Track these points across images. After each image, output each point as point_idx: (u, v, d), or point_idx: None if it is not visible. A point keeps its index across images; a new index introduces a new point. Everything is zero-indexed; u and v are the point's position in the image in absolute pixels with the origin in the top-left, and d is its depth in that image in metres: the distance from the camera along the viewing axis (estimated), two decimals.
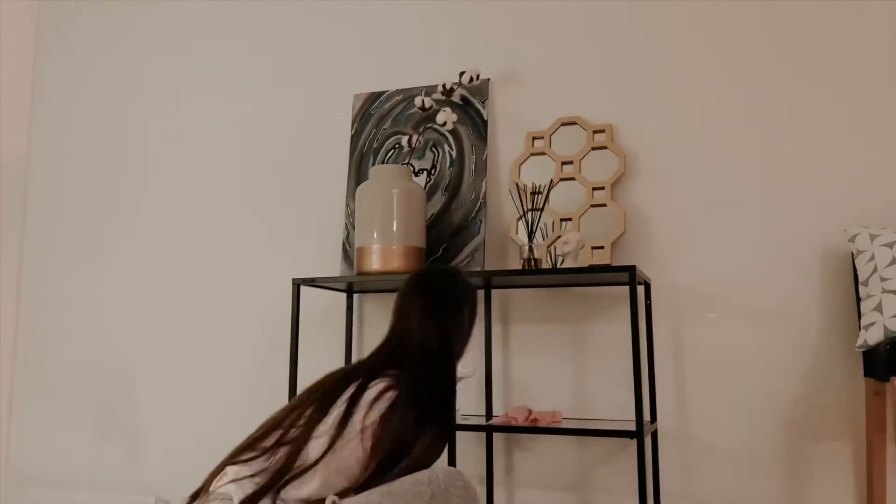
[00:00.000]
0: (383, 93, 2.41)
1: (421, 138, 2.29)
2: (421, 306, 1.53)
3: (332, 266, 2.39)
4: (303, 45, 2.58)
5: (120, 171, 2.77)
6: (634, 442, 2.01)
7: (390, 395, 1.38)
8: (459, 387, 2.21)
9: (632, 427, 1.78)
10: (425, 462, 1.39)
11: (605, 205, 2.09)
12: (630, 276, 1.75)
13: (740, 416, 1.96)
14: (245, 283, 2.52)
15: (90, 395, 2.65)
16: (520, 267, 1.99)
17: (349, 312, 2.29)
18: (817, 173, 1.99)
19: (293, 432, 1.35)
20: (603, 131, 2.15)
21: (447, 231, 2.19)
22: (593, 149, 2.15)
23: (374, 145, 2.36)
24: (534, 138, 2.22)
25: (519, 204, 2.08)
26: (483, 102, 2.27)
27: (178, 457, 2.49)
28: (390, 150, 2.33)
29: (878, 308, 1.63)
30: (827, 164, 1.98)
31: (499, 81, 2.31)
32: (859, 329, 1.70)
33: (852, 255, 1.86)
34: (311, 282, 2.06)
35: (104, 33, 2.90)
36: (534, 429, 1.82)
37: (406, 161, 2.30)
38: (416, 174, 2.28)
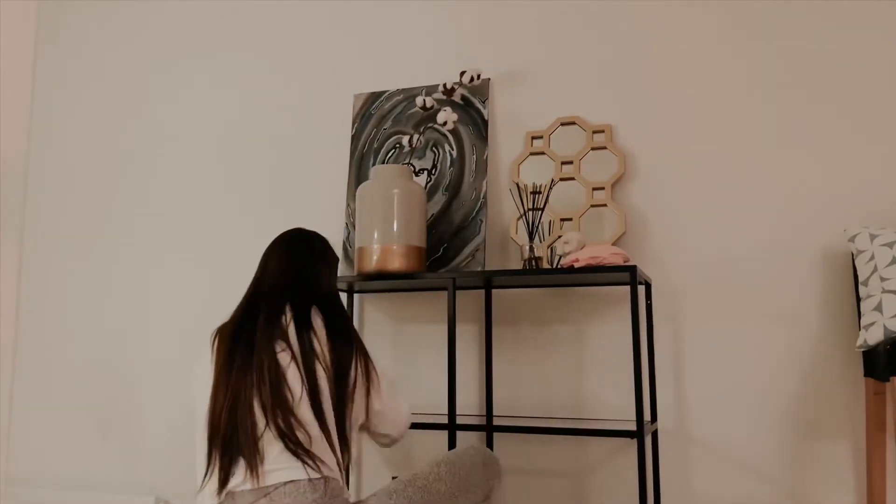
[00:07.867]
0: (384, 92, 2.41)
1: (421, 138, 2.29)
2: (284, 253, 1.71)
3: None
4: (303, 45, 2.58)
5: (120, 172, 2.77)
6: (634, 442, 2.02)
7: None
8: (459, 387, 2.21)
9: (632, 427, 1.79)
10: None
11: (605, 205, 2.09)
12: (631, 276, 1.76)
13: (740, 416, 1.97)
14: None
15: (90, 395, 2.65)
16: (520, 267, 1.99)
17: (350, 312, 2.29)
18: (817, 173, 1.99)
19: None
20: (602, 131, 2.15)
21: (448, 231, 2.19)
22: (593, 149, 2.15)
23: (375, 145, 2.36)
24: (533, 138, 2.22)
25: (519, 203, 2.08)
26: (484, 102, 2.27)
27: (178, 457, 2.49)
28: (391, 150, 2.33)
29: (878, 308, 1.63)
30: (827, 164, 1.99)
31: (499, 81, 2.31)
32: (859, 329, 1.70)
33: (852, 255, 1.86)
34: None
35: (104, 33, 2.90)
36: (534, 429, 1.83)
37: (407, 161, 2.30)
38: (417, 174, 2.28)
